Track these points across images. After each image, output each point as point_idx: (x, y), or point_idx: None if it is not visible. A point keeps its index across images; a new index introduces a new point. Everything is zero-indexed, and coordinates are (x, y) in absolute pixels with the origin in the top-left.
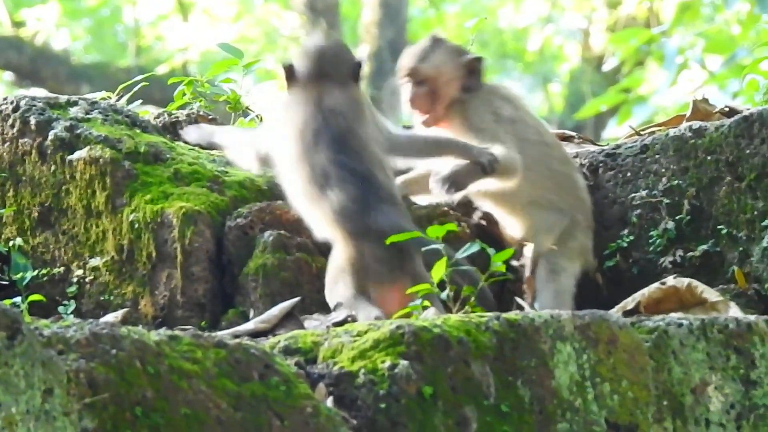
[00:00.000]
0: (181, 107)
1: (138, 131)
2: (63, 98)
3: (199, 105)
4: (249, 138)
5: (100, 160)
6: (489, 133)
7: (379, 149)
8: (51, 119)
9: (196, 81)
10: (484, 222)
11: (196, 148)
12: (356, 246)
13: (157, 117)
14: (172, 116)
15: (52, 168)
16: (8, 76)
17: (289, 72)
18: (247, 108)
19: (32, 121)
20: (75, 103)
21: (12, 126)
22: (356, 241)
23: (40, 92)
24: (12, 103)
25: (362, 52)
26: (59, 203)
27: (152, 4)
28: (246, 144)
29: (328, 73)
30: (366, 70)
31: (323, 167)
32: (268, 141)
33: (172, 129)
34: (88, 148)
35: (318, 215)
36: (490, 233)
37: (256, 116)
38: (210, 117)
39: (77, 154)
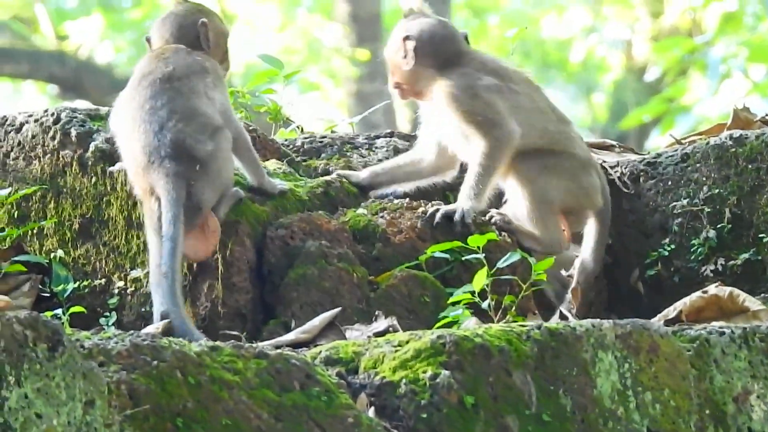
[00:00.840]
0: None
1: None
2: (104, 110)
3: (241, 116)
4: None
5: None
6: (480, 109)
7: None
8: (92, 131)
9: (237, 92)
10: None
11: None
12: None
13: None
14: None
15: (93, 179)
16: (52, 89)
17: (148, 42)
18: (287, 118)
19: (73, 132)
20: None
21: (53, 138)
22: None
23: (82, 104)
24: (53, 115)
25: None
26: (100, 215)
27: None
28: None
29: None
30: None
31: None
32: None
33: None
34: None
35: None
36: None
37: (297, 126)
38: (251, 128)
39: (118, 166)
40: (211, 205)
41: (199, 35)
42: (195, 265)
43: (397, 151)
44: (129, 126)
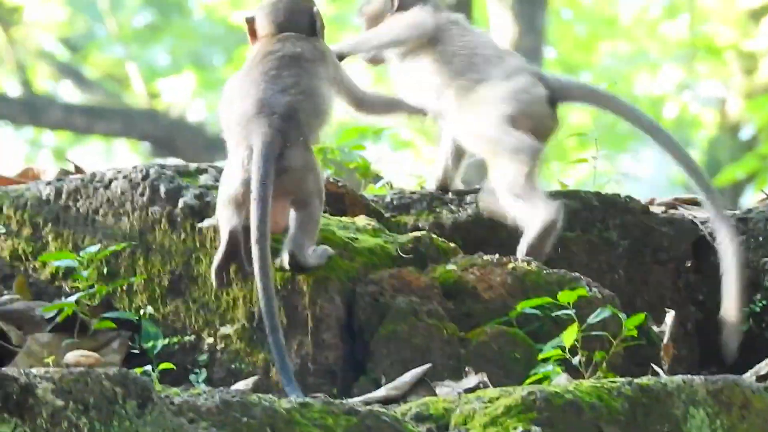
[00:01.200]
0: None
1: None
2: (193, 166)
3: (330, 172)
4: None
5: None
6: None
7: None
8: (181, 187)
9: (326, 148)
10: None
11: (326, 214)
12: None
13: None
14: None
15: (182, 236)
16: (145, 147)
17: (251, 25)
18: (377, 174)
19: (162, 189)
20: (204, 171)
21: (142, 194)
22: None
23: (172, 161)
24: (142, 171)
25: None
26: (189, 271)
27: None
28: None
29: (287, 26)
30: None
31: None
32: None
33: None
34: None
35: None
36: None
37: (387, 183)
38: (340, 184)
39: (207, 222)
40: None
41: (311, 23)
42: (284, 321)
43: None
44: (246, 87)
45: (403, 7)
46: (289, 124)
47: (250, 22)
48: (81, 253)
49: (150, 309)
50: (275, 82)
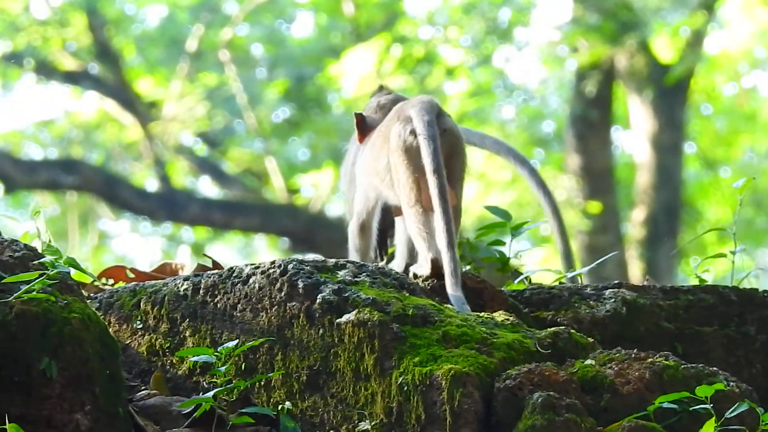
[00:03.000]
0: None
1: (406, 294)
2: (331, 262)
3: (469, 267)
4: None
5: (369, 323)
6: None
7: None
8: (319, 282)
9: (465, 243)
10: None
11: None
12: None
13: (426, 280)
14: (440, 279)
15: (320, 331)
16: (283, 242)
17: (361, 122)
18: (516, 270)
19: (300, 284)
20: (343, 267)
21: (280, 290)
22: None
23: (310, 257)
24: (280, 267)
25: (637, 216)
26: (328, 366)
27: None
28: None
29: None
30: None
31: None
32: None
33: (440, 291)
34: (356, 311)
35: None
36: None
37: (526, 278)
38: (478, 279)
39: (345, 317)
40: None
41: None
42: (423, 416)
43: (624, 302)
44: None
45: None
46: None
47: (361, 117)
48: (219, 349)
49: (288, 404)
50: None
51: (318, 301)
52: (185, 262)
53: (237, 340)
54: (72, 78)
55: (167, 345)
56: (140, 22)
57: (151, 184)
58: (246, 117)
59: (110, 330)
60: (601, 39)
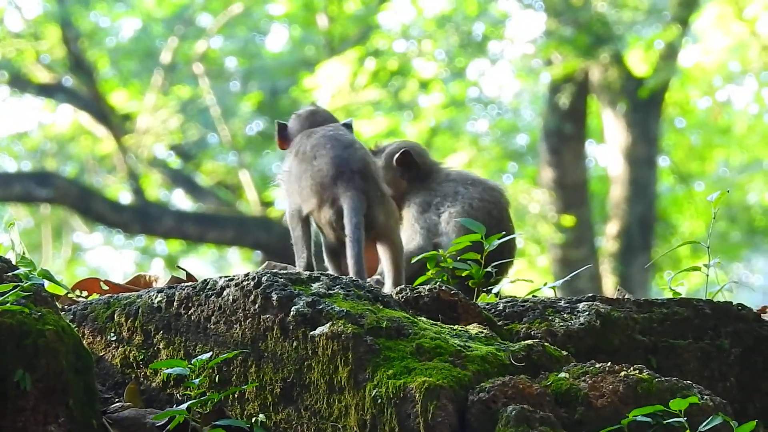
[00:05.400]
0: (423, 282)
1: (380, 306)
2: (305, 274)
3: (442, 280)
4: None
5: (342, 335)
6: None
7: None
8: (293, 295)
9: (439, 256)
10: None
11: (438, 323)
12: None
13: (399, 292)
14: (414, 291)
15: (294, 344)
16: (257, 255)
17: (282, 130)
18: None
19: (274, 297)
20: (317, 279)
21: (254, 302)
22: None
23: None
24: (254, 279)
25: (611, 229)
26: (301, 379)
27: None
28: None
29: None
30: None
31: None
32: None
33: (414, 304)
34: (330, 323)
35: None
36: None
37: (498, 291)
38: (452, 292)
39: (319, 330)
40: (381, 231)
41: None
42: (396, 428)
43: (599, 315)
44: (313, 148)
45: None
46: (366, 179)
47: (281, 127)
48: (192, 361)
49: (262, 416)
50: (340, 139)
51: (292, 313)
52: (159, 274)
53: (211, 353)
54: (46, 90)
55: (141, 357)
56: (114, 34)
57: (125, 196)
58: (220, 130)
59: (84, 342)
60: (575, 52)
